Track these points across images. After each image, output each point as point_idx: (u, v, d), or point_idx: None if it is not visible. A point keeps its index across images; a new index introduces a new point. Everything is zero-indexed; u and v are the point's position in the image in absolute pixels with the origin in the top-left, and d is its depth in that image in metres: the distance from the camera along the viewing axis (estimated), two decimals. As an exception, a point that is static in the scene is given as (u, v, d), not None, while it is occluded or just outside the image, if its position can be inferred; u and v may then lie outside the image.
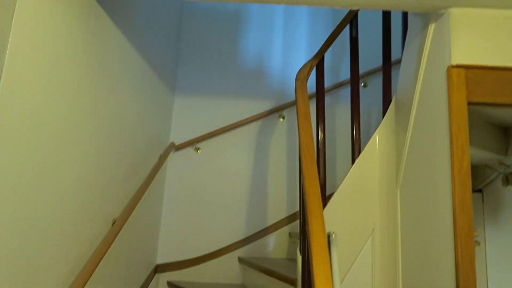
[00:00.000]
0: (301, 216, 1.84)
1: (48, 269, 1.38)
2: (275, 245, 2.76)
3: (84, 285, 1.51)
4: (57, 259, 1.44)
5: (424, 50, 1.66)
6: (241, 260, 2.68)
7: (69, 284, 1.51)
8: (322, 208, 1.39)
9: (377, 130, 1.94)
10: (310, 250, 1.27)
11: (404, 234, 1.74)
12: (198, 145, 2.89)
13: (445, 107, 1.46)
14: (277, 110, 2.96)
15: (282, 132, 2.95)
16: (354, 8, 1.59)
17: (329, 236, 1.58)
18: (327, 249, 1.27)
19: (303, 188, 1.53)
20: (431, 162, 1.55)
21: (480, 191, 2.28)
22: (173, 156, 2.87)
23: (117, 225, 1.87)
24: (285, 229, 2.78)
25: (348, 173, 1.90)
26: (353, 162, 1.96)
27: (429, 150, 1.58)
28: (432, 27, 1.63)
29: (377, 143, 1.92)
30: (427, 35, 1.65)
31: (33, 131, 1.24)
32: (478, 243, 2.16)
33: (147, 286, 2.45)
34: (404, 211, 1.76)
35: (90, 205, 1.69)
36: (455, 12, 1.51)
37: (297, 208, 2.82)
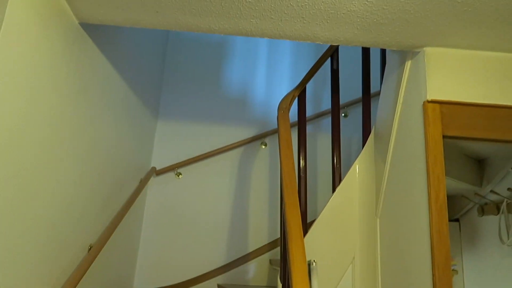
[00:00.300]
0: (282, 244, 1.85)
1: (22, 296, 1.34)
2: (256, 272, 2.73)
3: (58, 313, 1.47)
4: (31, 285, 1.40)
5: (401, 85, 1.74)
6: (220, 287, 2.64)
7: (43, 312, 1.46)
8: (302, 236, 1.41)
9: (357, 159, 2.00)
10: (291, 278, 1.28)
11: (383, 262, 1.77)
12: (179, 170, 2.88)
13: (422, 140, 1.53)
14: (259, 138, 3.00)
15: (264, 159, 2.98)
16: (335, 43, 1.66)
17: (309, 264, 1.59)
18: (307, 277, 1.28)
19: (284, 216, 1.55)
20: (409, 192, 1.60)
21: (457, 220, 2.34)
22: (153, 181, 2.85)
23: (94, 251, 1.83)
24: (266, 256, 2.76)
25: (329, 202, 1.93)
26: (333, 190, 2.00)
27: (407, 181, 1.63)
28: (408, 64, 1.72)
29: (357, 172, 1.97)
30: (404, 71, 1.73)
31: (9, 156, 1.23)
32: (456, 271, 2.20)
33: (123, 314, 2.38)
34: (383, 239, 1.79)
35: (66, 231, 1.66)
36: (430, 51, 1.60)
37: (278, 235, 2.81)
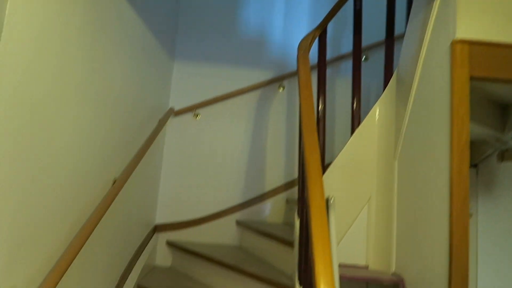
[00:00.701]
0: (300, 180, 1.89)
1: (48, 226, 1.41)
2: (272, 211, 2.83)
3: (84, 242, 1.54)
4: (58, 216, 1.47)
5: (428, 24, 1.67)
6: (239, 223, 2.75)
7: (69, 241, 1.54)
8: (321, 172, 1.42)
9: (378, 102, 1.98)
10: (309, 213, 1.31)
11: (400, 202, 1.81)
12: (197, 111, 2.90)
13: (447, 81, 1.49)
14: (277, 80, 2.97)
15: (282, 101, 2.97)
16: (362, -22, 1.58)
17: (327, 200, 1.63)
18: (325, 212, 1.30)
19: (303, 154, 1.57)
20: (430, 134, 1.59)
21: (475, 166, 2.34)
22: (172, 121, 2.88)
23: (118, 184, 1.91)
24: (282, 196, 2.85)
25: (348, 143, 1.94)
26: (352, 133, 2.00)
27: (429, 122, 1.61)
28: (437, 2, 1.63)
29: (376, 114, 1.96)
30: (432, 9, 1.65)
31: (24, 94, 1.25)
32: (470, 214, 2.25)
33: (146, 245, 2.52)
34: (401, 181, 1.81)
35: (91, 165, 1.72)
36: (463, -13, 1.52)
37: (295, 176, 2.87)
